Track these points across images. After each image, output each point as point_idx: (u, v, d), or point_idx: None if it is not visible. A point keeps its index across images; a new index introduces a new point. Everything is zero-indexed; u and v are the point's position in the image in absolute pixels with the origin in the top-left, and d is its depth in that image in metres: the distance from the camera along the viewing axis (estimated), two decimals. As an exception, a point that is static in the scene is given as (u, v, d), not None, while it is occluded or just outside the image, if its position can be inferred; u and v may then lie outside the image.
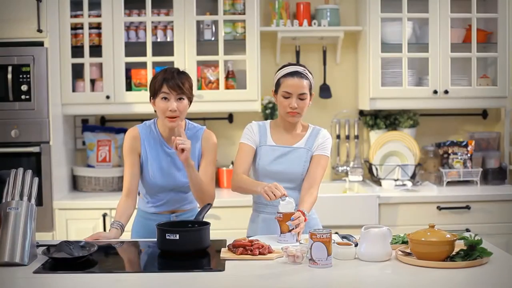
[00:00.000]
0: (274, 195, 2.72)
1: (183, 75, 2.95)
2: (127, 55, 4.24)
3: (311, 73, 3.05)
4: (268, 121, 3.15)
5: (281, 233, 2.72)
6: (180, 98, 2.92)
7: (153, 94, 2.95)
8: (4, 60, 3.96)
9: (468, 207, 4.12)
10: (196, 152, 3.03)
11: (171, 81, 2.90)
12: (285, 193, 2.75)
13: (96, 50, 4.26)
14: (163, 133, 3.01)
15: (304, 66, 3.06)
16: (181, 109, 2.93)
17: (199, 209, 2.89)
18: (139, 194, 3.09)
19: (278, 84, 3.03)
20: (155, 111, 3.00)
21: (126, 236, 3.12)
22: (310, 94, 3.02)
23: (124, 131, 4.58)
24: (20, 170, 2.60)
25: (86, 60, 4.25)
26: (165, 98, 2.90)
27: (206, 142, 3.05)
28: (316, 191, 2.98)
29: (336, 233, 2.92)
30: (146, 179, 2.99)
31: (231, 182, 3.03)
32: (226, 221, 3.89)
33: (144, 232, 3.02)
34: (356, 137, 4.68)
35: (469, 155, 4.51)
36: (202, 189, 2.95)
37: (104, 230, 4.02)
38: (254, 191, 2.90)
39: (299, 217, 2.70)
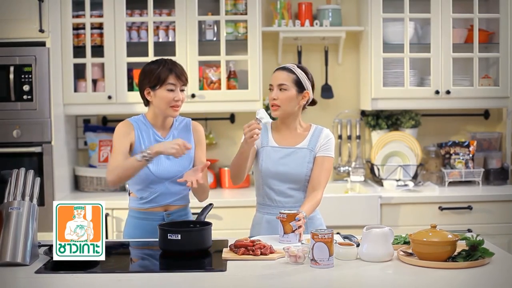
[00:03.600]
0: (253, 129, 2.76)
1: (180, 65, 3.00)
2: (129, 55, 4.24)
3: (306, 72, 3.00)
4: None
5: (284, 233, 2.71)
6: (182, 90, 2.95)
7: (155, 85, 2.92)
8: (6, 60, 3.96)
9: (470, 208, 4.12)
10: (191, 143, 3.01)
11: (177, 71, 2.92)
12: (256, 118, 2.81)
13: (98, 50, 4.27)
14: (155, 124, 3.00)
15: (297, 65, 3.03)
16: (183, 100, 2.96)
17: (201, 209, 2.88)
18: (129, 194, 3.04)
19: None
20: (146, 102, 2.98)
21: (118, 237, 3.10)
22: (301, 91, 2.98)
23: (125, 131, 4.58)
24: (22, 170, 2.60)
25: (88, 60, 4.25)
26: (171, 90, 2.91)
27: (198, 133, 3.07)
28: (320, 194, 2.96)
29: (338, 233, 2.92)
30: (142, 170, 2.90)
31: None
32: (228, 221, 3.89)
33: (136, 232, 2.96)
34: (358, 137, 4.68)
35: (471, 155, 4.50)
36: (204, 189, 2.97)
37: (106, 230, 4.01)
38: (240, 152, 2.88)
39: (303, 217, 2.71)
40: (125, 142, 2.92)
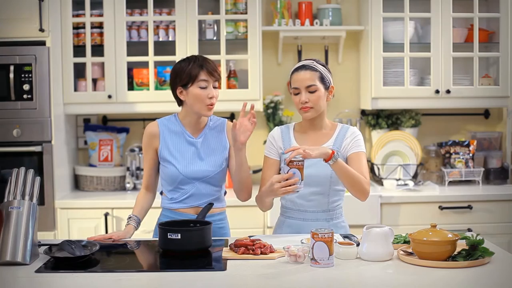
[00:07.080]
0: (289, 186, 2.63)
1: (212, 61, 2.90)
2: (129, 54, 4.24)
3: (324, 65, 2.89)
4: (293, 123, 3.02)
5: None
6: (215, 87, 2.88)
7: (186, 83, 2.84)
8: (6, 59, 3.96)
9: (470, 207, 4.12)
10: (223, 143, 2.97)
11: (208, 66, 2.84)
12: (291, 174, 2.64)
13: (98, 50, 4.27)
14: (187, 124, 2.94)
15: (315, 60, 2.90)
16: (217, 97, 2.89)
17: (204, 209, 2.88)
18: (161, 193, 3.02)
19: (290, 84, 2.91)
20: (179, 101, 2.92)
21: (148, 236, 3.10)
22: (327, 86, 2.87)
23: (126, 130, 4.59)
24: (22, 169, 2.60)
25: (88, 59, 4.25)
26: (204, 87, 2.84)
27: None
28: (367, 180, 2.82)
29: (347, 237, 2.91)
30: (170, 170, 2.89)
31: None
32: (228, 220, 3.88)
33: None
34: (358, 136, 4.68)
35: (471, 154, 4.50)
36: (248, 181, 2.94)
37: (106, 229, 4.02)
38: (272, 197, 2.79)
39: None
40: (148, 155, 2.95)
